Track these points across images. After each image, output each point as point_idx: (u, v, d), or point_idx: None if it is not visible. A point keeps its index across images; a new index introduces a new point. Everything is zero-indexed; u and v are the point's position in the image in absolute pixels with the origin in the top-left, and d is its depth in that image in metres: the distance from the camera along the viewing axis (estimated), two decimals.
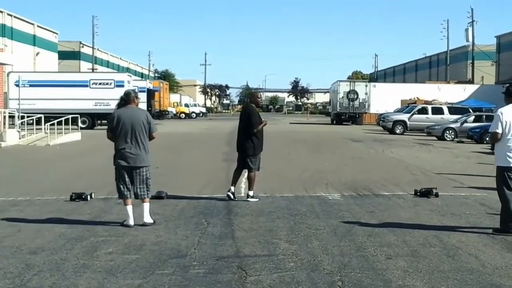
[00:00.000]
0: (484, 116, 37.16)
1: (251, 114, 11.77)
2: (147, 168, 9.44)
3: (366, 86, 61.18)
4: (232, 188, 11.85)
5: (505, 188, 8.76)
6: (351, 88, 59.59)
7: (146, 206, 9.43)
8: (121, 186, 9.37)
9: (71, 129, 32.42)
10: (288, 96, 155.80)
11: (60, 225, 9.34)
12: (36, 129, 31.20)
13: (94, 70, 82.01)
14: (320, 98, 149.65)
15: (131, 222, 9.23)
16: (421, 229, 9.13)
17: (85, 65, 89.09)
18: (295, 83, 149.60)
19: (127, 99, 9.49)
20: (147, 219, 9.37)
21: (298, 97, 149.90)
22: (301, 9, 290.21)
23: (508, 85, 9.80)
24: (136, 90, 10.03)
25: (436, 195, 12.32)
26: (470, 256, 7.57)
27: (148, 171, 9.48)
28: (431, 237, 8.62)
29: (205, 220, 9.78)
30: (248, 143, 11.73)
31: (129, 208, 9.29)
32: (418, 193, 12.53)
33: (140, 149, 9.29)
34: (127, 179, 9.34)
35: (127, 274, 6.68)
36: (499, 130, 8.82)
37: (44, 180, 15.30)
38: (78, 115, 36.02)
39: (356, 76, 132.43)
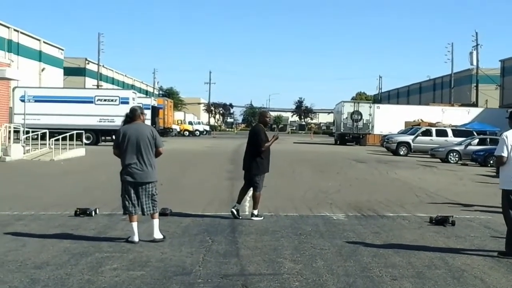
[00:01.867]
0: (488, 139, 37.12)
1: (257, 133, 11.81)
2: (153, 184, 9.43)
3: (370, 107, 61.23)
4: (237, 206, 11.87)
5: (511, 211, 8.76)
6: (355, 109, 59.66)
7: (156, 222, 9.44)
8: (127, 202, 9.35)
9: (76, 144, 32.47)
10: (292, 116, 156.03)
11: (64, 240, 9.33)
12: (41, 144, 31.32)
13: (99, 87, 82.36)
14: (324, 118, 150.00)
15: (136, 238, 9.22)
16: (426, 251, 9.11)
17: (90, 82, 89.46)
18: (299, 103, 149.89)
19: (132, 116, 9.51)
20: (157, 235, 9.38)
21: (302, 117, 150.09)
22: (306, 29, 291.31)
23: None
24: (142, 106, 10.07)
25: (453, 223, 11.59)
26: (476, 278, 7.54)
27: (155, 187, 9.48)
28: (436, 259, 8.60)
29: (210, 238, 9.76)
30: (254, 162, 11.75)
31: (134, 224, 9.28)
32: (434, 221, 11.76)
33: (146, 164, 9.28)
34: (132, 195, 9.34)
35: None
36: (505, 154, 8.86)
37: (48, 195, 15.31)
38: (83, 131, 36.08)
39: (360, 97, 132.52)
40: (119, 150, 9.40)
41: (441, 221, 11.69)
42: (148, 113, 49.83)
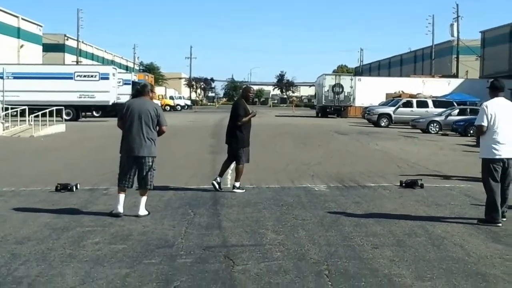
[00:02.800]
0: (468, 110, 37.44)
1: (237, 108, 11.83)
2: (152, 159, 9.41)
3: (352, 79, 61.38)
4: (219, 179, 11.87)
5: (491, 179, 8.90)
6: (337, 82, 59.76)
7: (144, 199, 9.43)
8: (122, 175, 9.36)
9: (56, 121, 32.25)
10: (274, 89, 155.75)
11: (45, 215, 9.29)
12: (20, 120, 31.11)
13: (79, 63, 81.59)
14: (306, 92, 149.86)
15: (121, 209, 9.21)
16: (407, 220, 9.19)
17: (69, 58, 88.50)
18: (281, 77, 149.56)
19: (142, 91, 9.62)
20: (142, 211, 9.35)
21: (284, 90, 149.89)
22: (287, 2, 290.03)
23: (492, 79, 9.94)
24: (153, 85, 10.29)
25: (421, 186, 12.43)
26: (456, 245, 7.62)
27: (154, 162, 9.46)
28: (417, 227, 8.67)
29: (192, 211, 9.76)
30: (233, 137, 11.77)
31: (122, 196, 9.30)
32: (404, 184, 12.60)
33: (145, 139, 9.27)
34: (129, 168, 9.33)
35: (114, 263, 6.66)
36: (485, 123, 8.95)
37: (29, 171, 15.21)
38: (63, 107, 35.76)
39: (341, 70, 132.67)
40: (122, 122, 9.44)
41: (411, 184, 12.50)
42: (128, 89, 49.59)
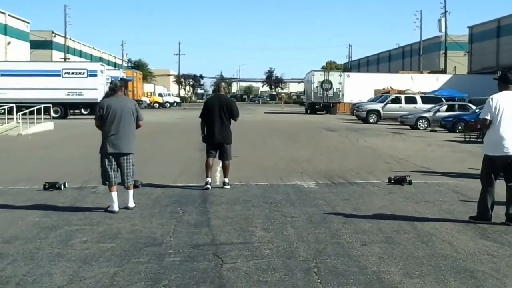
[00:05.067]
0: (456, 106, 37.57)
1: (233, 104, 11.91)
2: (133, 155, 9.73)
3: (340, 76, 61.45)
4: (209, 180, 11.82)
5: (489, 177, 8.63)
6: (325, 78, 59.81)
7: (131, 192, 9.74)
8: (110, 173, 9.49)
9: (44, 118, 32.09)
10: (263, 86, 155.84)
11: (33, 214, 9.24)
12: (8, 118, 30.86)
13: (67, 60, 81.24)
14: (295, 88, 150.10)
15: (116, 208, 9.40)
16: (396, 216, 9.21)
17: (57, 55, 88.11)
18: (269, 73, 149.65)
19: (115, 88, 9.78)
20: (131, 203, 9.69)
21: (273, 87, 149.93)
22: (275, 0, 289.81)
23: (503, 71, 9.62)
24: (126, 79, 10.26)
25: (410, 182, 12.44)
26: (444, 242, 7.64)
27: (133, 159, 9.74)
28: (405, 224, 8.69)
29: (181, 209, 9.75)
30: (229, 133, 11.87)
31: (114, 194, 9.47)
32: (392, 181, 12.62)
33: (128, 136, 9.58)
34: (114, 166, 9.53)
35: (102, 262, 6.63)
36: (488, 117, 8.52)
37: (16, 169, 15.12)
38: (51, 105, 35.57)
39: (330, 66, 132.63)
40: (102, 122, 9.57)
41: (399, 181, 12.51)
42: None
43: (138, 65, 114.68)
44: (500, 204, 8.75)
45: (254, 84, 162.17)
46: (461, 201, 10.66)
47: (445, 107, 37.29)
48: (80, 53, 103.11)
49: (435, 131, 33.69)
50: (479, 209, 8.80)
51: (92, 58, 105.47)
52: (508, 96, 8.60)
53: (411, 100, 43.03)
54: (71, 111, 46.37)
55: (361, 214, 9.36)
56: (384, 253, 7.05)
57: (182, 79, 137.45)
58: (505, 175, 8.66)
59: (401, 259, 6.81)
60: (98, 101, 43.83)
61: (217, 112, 11.70)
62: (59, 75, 44.61)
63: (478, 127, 10.89)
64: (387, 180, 12.80)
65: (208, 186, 11.68)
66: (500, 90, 8.73)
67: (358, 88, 57.88)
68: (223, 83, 12.78)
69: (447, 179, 13.41)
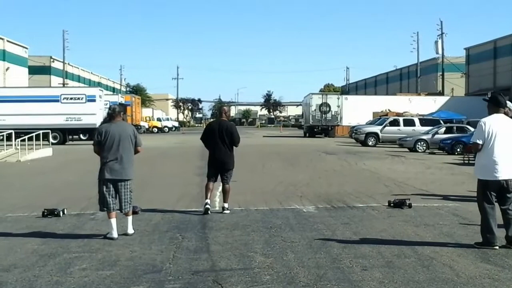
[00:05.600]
0: (455, 128, 37.63)
1: (234, 130, 11.94)
2: (131, 182, 9.69)
3: (338, 98, 61.60)
4: (208, 201, 11.84)
5: (485, 202, 8.53)
6: (324, 101, 59.95)
7: (130, 218, 9.73)
8: (108, 199, 9.46)
9: (42, 144, 32.06)
10: (261, 109, 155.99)
11: (32, 241, 9.20)
12: (7, 145, 30.84)
13: (65, 85, 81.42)
14: (293, 111, 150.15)
15: (115, 234, 9.37)
16: (396, 240, 9.18)
17: (56, 80, 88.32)
18: (268, 96, 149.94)
19: (114, 114, 9.75)
20: (131, 230, 9.67)
21: (271, 110, 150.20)
22: (272, 23, 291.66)
23: (493, 92, 9.60)
24: (124, 104, 10.29)
25: (410, 205, 12.44)
26: (445, 266, 7.61)
27: (132, 185, 9.71)
28: (406, 248, 8.66)
29: (180, 235, 9.71)
30: (232, 157, 11.93)
31: (113, 220, 9.44)
32: (392, 204, 12.62)
33: (127, 162, 9.54)
34: (112, 192, 9.49)
35: None
36: (480, 141, 8.51)
37: (15, 196, 15.09)
38: (49, 131, 35.57)
39: (328, 89, 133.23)
40: (100, 148, 9.57)
41: (399, 204, 12.52)
42: None
43: (137, 90, 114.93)
44: (499, 227, 8.71)
45: (252, 108, 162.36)
46: (461, 224, 10.64)
47: (443, 129, 37.34)
48: (78, 78, 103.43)
49: (434, 153, 33.72)
50: (484, 234, 8.62)
51: (90, 83, 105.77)
52: (500, 119, 8.59)
53: (409, 122, 43.11)
54: (70, 137, 46.35)
55: (361, 238, 9.34)
56: (384, 278, 7.02)
57: (181, 103, 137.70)
58: (498, 199, 8.59)
59: (402, 284, 6.78)
60: (97, 126, 44.25)
61: (218, 138, 11.76)
62: (57, 101, 44.69)
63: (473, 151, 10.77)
64: (387, 204, 12.78)
65: (208, 206, 11.68)
66: (490, 113, 8.71)
67: (356, 111, 58.06)
68: (225, 107, 12.80)
69: (447, 202, 13.39)
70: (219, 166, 11.90)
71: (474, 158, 9.16)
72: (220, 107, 13.15)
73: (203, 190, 12.26)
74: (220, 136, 11.76)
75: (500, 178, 8.43)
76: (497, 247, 8.49)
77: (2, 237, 9.65)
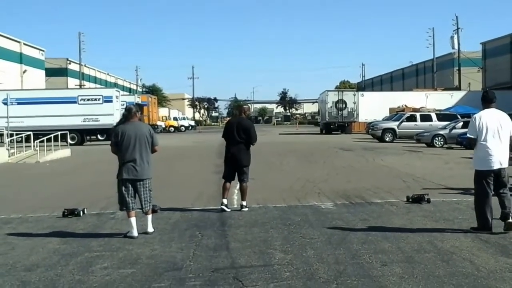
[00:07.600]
0: None
1: (251, 127, 11.97)
2: (150, 181, 9.74)
3: (354, 95, 61.52)
4: (225, 201, 11.89)
5: (482, 190, 9.28)
6: (340, 98, 59.93)
7: (150, 217, 9.82)
8: (127, 199, 9.54)
9: (61, 145, 32.31)
10: (277, 107, 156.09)
11: (54, 241, 9.30)
12: (26, 146, 31.11)
13: (82, 86, 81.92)
14: (309, 108, 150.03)
15: (135, 233, 9.45)
16: (415, 235, 9.17)
17: (72, 82, 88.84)
18: (283, 94, 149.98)
19: (130, 114, 9.80)
20: (150, 228, 9.76)
21: (287, 108, 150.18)
22: (288, 20, 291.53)
23: (484, 91, 10.17)
24: (141, 103, 10.38)
25: (428, 201, 12.41)
26: (465, 260, 7.60)
27: (151, 184, 9.76)
28: (425, 242, 8.65)
29: (199, 232, 9.77)
30: (248, 155, 11.99)
31: (133, 219, 9.52)
32: (410, 200, 12.61)
33: (144, 162, 9.59)
34: (131, 191, 9.56)
35: None
36: (473, 135, 9.32)
37: (35, 197, 15.24)
38: (67, 132, 35.84)
39: (344, 86, 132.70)
40: (117, 148, 9.62)
41: (418, 199, 12.53)
42: None
43: (153, 90, 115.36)
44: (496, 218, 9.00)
45: (268, 106, 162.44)
46: None
47: (461, 124, 37.07)
48: (95, 80, 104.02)
49: (452, 148, 33.52)
50: (479, 219, 9.29)
51: (107, 84, 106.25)
52: (491, 113, 9.36)
53: (426, 117, 42.94)
54: (88, 137, 46.67)
55: (380, 234, 9.33)
56: (404, 273, 7.02)
57: (197, 103, 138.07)
58: (494, 186, 9.34)
59: (422, 279, 6.78)
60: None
61: (235, 134, 11.83)
62: (75, 102, 45.01)
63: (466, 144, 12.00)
64: (405, 199, 12.76)
65: (223, 207, 11.74)
66: (483, 108, 9.52)
67: (372, 107, 57.85)
68: (245, 106, 12.87)
69: (466, 197, 13.31)
70: (234, 162, 11.95)
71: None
72: (240, 105, 13.22)
73: (220, 189, 12.31)
74: (237, 133, 11.84)
75: (493, 168, 9.20)
76: (492, 232, 9.11)
77: (24, 237, 9.77)
